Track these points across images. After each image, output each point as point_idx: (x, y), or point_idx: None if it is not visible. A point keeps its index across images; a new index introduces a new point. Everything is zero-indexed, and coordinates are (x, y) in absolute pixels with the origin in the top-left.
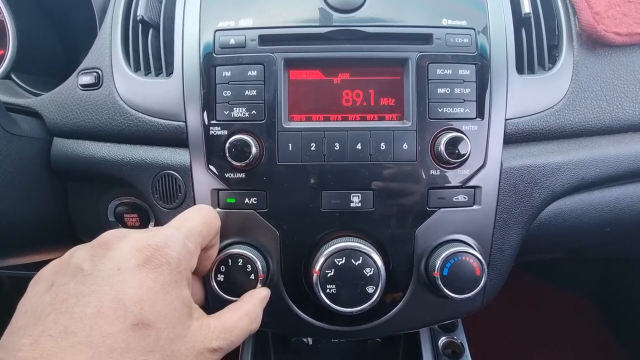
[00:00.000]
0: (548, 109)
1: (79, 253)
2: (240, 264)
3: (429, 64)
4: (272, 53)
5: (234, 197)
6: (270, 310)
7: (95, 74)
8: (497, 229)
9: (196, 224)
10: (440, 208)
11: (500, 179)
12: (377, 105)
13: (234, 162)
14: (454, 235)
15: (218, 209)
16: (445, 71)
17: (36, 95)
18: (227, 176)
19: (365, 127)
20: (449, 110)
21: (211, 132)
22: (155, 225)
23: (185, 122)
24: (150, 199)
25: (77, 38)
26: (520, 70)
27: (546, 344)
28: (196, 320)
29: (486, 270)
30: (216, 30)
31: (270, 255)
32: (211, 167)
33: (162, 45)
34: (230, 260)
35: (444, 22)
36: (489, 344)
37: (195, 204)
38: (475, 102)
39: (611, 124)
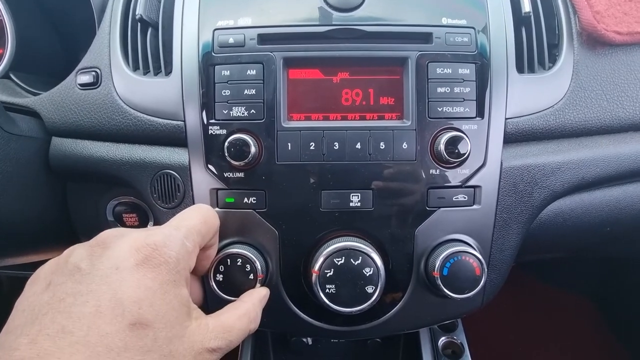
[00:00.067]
0: (548, 108)
1: (77, 252)
2: (239, 263)
3: (428, 63)
4: (271, 52)
5: (233, 197)
6: (270, 310)
7: (94, 73)
8: (497, 228)
9: (195, 223)
10: (440, 208)
11: (500, 178)
12: (377, 105)
13: (233, 162)
14: (453, 235)
15: (217, 209)
16: (445, 70)
17: (35, 94)
18: (226, 176)
19: (364, 126)
20: (448, 109)
21: (210, 132)
22: (154, 224)
23: (184, 121)
24: (149, 199)
25: (76, 37)
26: (520, 70)
27: (546, 344)
28: (195, 320)
29: (486, 270)
30: (215, 29)
31: (269, 255)
32: (210, 166)
33: (161, 45)
34: (229, 260)
35: (444, 21)
36: (488, 344)
37: (194, 203)
38: (475, 102)
39: (611, 123)
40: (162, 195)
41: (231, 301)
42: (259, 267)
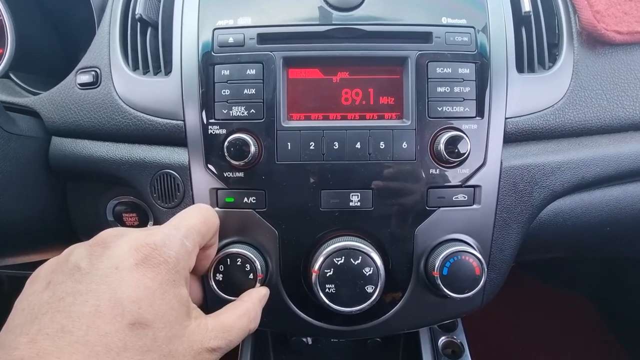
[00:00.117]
0: (548, 107)
1: (77, 251)
2: (239, 263)
3: (428, 62)
4: (271, 52)
5: (233, 197)
6: (269, 310)
7: (93, 72)
8: (497, 228)
9: (195, 223)
10: (439, 207)
11: (500, 178)
12: (377, 104)
13: (232, 161)
14: (453, 234)
15: (217, 208)
16: (445, 70)
17: (35, 94)
18: (225, 175)
19: (364, 126)
20: (448, 109)
21: (210, 131)
22: (154, 224)
23: (184, 121)
24: (149, 198)
25: (75, 37)
26: (520, 69)
27: (546, 344)
28: (194, 319)
29: (486, 269)
30: (215, 29)
31: (269, 255)
32: (210, 166)
33: (161, 44)
34: (229, 259)
35: (444, 20)
36: (488, 344)
37: (193, 203)
38: (475, 101)
39: (611, 123)
40: (162, 195)
41: (231, 301)
42: (259, 266)
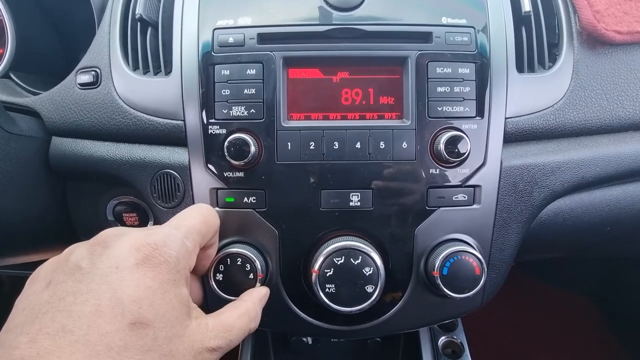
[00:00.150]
0: (548, 107)
1: (78, 251)
2: (239, 263)
3: (428, 62)
4: (271, 52)
5: (233, 196)
6: (270, 310)
7: (93, 72)
8: (497, 228)
9: (195, 222)
10: (439, 207)
11: (500, 178)
12: (377, 104)
13: (232, 161)
14: (453, 234)
15: (217, 208)
16: (445, 70)
17: (35, 94)
18: (225, 175)
19: (364, 125)
20: (448, 109)
21: (210, 131)
22: (154, 224)
23: (184, 121)
24: (149, 198)
25: (75, 37)
26: (520, 69)
27: (546, 344)
28: (194, 319)
29: (486, 269)
30: (215, 29)
31: (269, 255)
32: (210, 166)
33: (161, 44)
34: (229, 259)
35: (444, 20)
36: (488, 344)
37: (194, 203)
38: (475, 101)
39: (611, 122)
40: (162, 195)
41: (231, 301)
42: (259, 266)
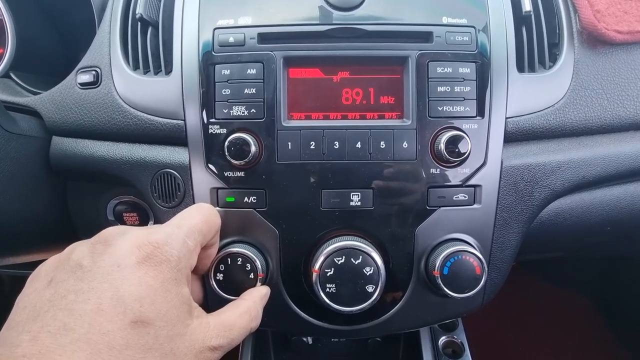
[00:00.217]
0: (549, 107)
1: (79, 249)
2: (239, 262)
3: (429, 62)
4: (272, 51)
5: (233, 196)
6: (270, 310)
7: (94, 72)
8: (497, 227)
9: (197, 222)
10: (440, 207)
11: (500, 177)
12: (377, 104)
13: (233, 161)
14: (454, 234)
15: (217, 208)
16: (446, 69)
17: (35, 93)
18: (226, 175)
19: (365, 125)
20: (449, 108)
21: (210, 131)
22: (155, 224)
23: (184, 120)
24: (150, 198)
25: (76, 36)
26: (520, 69)
27: (546, 344)
28: (196, 318)
29: (486, 269)
30: (215, 29)
31: (269, 254)
32: (210, 165)
33: (161, 44)
34: (229, 259)
35: (444, 20)
36: (489, 344)
37: (194, 202)
38: (475, 101)
39: (612, 122)
40: (163, 195)
41: (232, 300)
42: (259, 266)
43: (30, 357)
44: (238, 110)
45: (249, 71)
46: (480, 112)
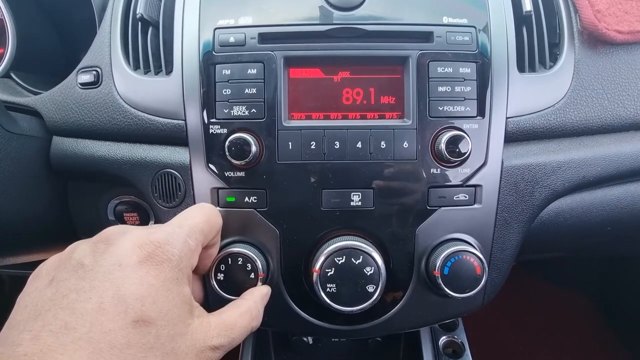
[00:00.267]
0: (549, 107)
1: (81, 248)
2: (240, 262)
3: (429, 62)
4: (272, 51)
5: (234, 196)
6: (271, 309)
7: (94, 72)
8: (497, 227)
9: (198, 222)
10: (440, 207)
11: (501, 177)
12: (378, 104)
13: (233, 161)
14: (454, 234)
15: (218, 208)
16: (446, 69)
17: (36, 93)
18: (226, 175)
19: (365, 125)
20: (449, 108)
21: (211, 131)
22: (155, 224)
23: (185, 120)
24: (150, 198)
25: (76, 36)
26: (521, 69)
27: (547, 344)
28: (197, 317)
29: (487, 269)
30: (216, 29)
31: (270, 254)
32: (211, 165)
33: (162, 44)
34: (230, 259)
35: (445, 20)
36: (489, 344)
37: (195, 202)
38: (476, 101)
39: (613, 122)
40: (163, 195)
41: (232, 300)
42: (260, 266)
43: (31, 356)
44: (239, 110)
45: (249, 71)
46: (481, 112)
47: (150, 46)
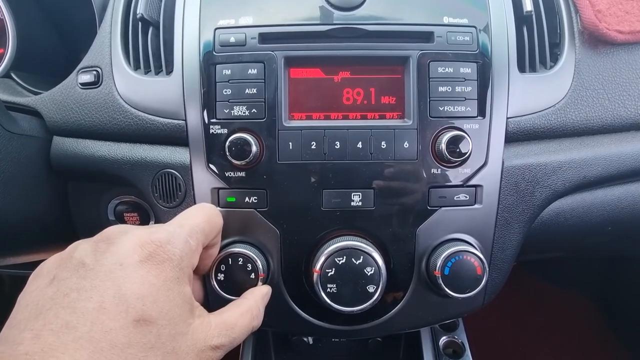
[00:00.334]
0: (550, 107)
1: (82, 247)
2: (240, 263)
3: (430, 62)
4: (273, 51)
5: (234, 196)
6: (271, 310)
7: (95, 72)
8: (498, 228)
9: (199, 221)
10: (441, 207)
11: (501, 177)
12: (378, 104)
13: (234, 161)
14: (455, 234)
15: (218, 208)
16: (447, 69)
17: (36, 93)
18: (227, 175)
19: (365, 125)
20: (450, 108)
21: (211, 131)
22: (156, 224)
23: (185, 120)
24: (150, 198)
25: (77, 36)
26: (521, 69)
27: (547, 344)
28: (197, 317)
29: (487, 269)
30: (216, 29)
31: (270, 255)
32: (211, 165)
33: (162, 44)
34: (230, 259)
35: (445, 20)
36: (490, 344)
37: (195, 203)
38: (476, 101)
39: (613, 122)
40: (164, 195)
41: (233, 300)
42: (260, 266)
43: (32, 355)
44: (239, 110)
45: (250, 71)
46: (482, 112)
47: (150, 46)
